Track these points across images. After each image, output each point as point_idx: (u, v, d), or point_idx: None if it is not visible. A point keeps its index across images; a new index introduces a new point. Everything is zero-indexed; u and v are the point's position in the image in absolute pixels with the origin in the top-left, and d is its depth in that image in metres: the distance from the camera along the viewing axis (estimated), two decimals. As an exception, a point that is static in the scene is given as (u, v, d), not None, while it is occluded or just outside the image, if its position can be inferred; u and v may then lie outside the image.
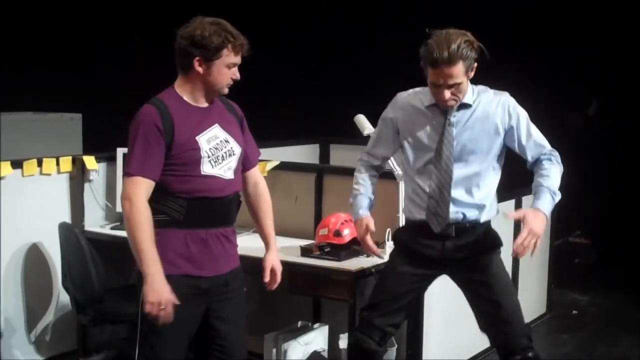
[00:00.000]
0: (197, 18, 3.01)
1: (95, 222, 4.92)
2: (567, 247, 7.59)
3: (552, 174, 3.32)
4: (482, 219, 3.40)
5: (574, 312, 6.21)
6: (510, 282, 3.56)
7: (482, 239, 3.41)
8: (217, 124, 3.07)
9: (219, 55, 2.96)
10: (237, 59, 3.02)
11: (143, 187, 2.94)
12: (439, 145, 3.32)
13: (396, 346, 4.27)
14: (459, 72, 3.20)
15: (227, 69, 3.00)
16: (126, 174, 2.97)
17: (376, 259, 3.90)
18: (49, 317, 4.80)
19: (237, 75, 3.05)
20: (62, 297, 4.78)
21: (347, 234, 4.12)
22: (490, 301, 3.38)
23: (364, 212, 3.48)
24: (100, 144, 5.23)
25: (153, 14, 6.94)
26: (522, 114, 3.39)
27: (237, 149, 3.12)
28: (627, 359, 5.22)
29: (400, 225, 4.06)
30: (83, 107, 5.96)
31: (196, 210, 3.01)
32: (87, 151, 5.22)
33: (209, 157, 3.01)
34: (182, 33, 2.99)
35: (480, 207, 3.37)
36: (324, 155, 6.74)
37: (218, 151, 3.04)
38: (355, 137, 5.83)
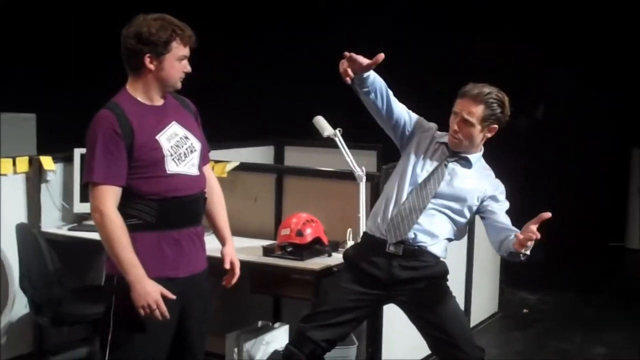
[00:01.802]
0: (140, 16, 3.01)
1: (52, 223, 4.87)
2: (516, 247, 7.75)
3: None
4: (431, 248, 3.52)
5: (525, 310, 6.36)
6: (458, 307, 3.66)
7: (429, 266, 3.52)
8: (174, 121, 3.08)
9: (168, 49, 2.97)
10: (187, 51, 3.03)
11: (111, 195, 2.93)
12: (430, 175, 3.51)
13: (357, 344, 4.33)
14: (477, 113, 3.44)
15: (178, 62, 3.00)
16: (91, 183, 2.94)
17: (339, 258, 3.93)
18: (5, 319, 4.74)
19: (188, 68, 3.06)
20: (18, 299, 4.73)
21: (309, 233, 4.15)
22: (437, 327, 3.49)
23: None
24: (56, 145, 5.17)
25: (108, 12, 6.88)
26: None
27: (197, 145, 3.13)
28: (578, 354, 5.37)
29: (361, 226, 4.15)
30: (37, 107, 5.87)
31: (167, 211, 3.01)
32: (41, 152, 5.14)
33: (171, 155, 3.02)
34: (127, 33, 2.98)
35: (434, 236, 3.50)
36: (279, 157, 6.77)
37: (179, 148, 3.05)
38: (310, 139, 5.92)
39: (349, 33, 7.76)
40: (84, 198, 4.70)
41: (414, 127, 3.60)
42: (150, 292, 2.91)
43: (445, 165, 3.53)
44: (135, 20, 3.01)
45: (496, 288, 6.18)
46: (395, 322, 4.39)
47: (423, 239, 3.49)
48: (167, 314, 2.94)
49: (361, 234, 3.85)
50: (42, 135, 5.74)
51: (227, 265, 3.28)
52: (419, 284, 3.50)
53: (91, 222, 4.78)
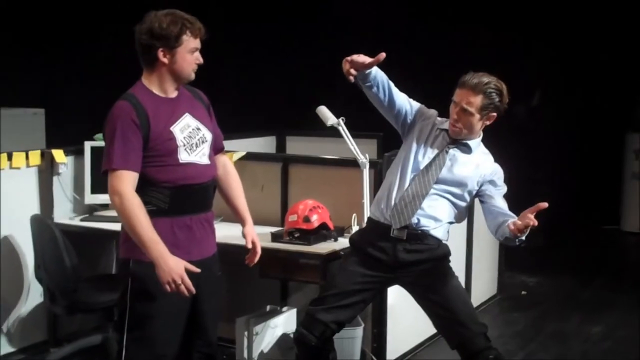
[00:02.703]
0: (151, 13, 3.15)
1: (65, 214, 4.99)
2: (515, 232, 7.88)
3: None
4: (434, 232, 3.65)
5: (523, 292, 6.50)
6: (461, 286, 3.79)
7: (432, 248, 3.67)
8: (187, 113, 3.22)
9: (180, 42, 3.11)
10: (197, 43, 3.17)
11: (129, 179, 3.06)
12: (431, 162, 3.64)
13: (363, 325, 4.46)
14: (476, 103, 3.55)
15: (190, 55, 3.14)
16: (110, 169, 3.07)
17: (345, 243, 4.07)
18: (20, 309, 4.87)
19: (200, 60, 3.19)
20: (32, 288, 4.85)
21: (316, 219, 4.28)
22: (442, 306, 3.61)
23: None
24: (65, 139, 5.29)
25: (117, 9, 6.95)
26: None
27: (209, 136, 3.27)
28: (576, 334, 5.51)
29: (365, 212, 4.27)
30: (47, 102, 5.96)
31: (179, 197, 3.15)
32: (51, 145, 5.25)
33: (184, 145, 3.16)
34: (140, 29, 3.13)
35: (436, 220, 3.64)
36: (281, 147, 6.88)
37: (192, 139, 3.19)
38: (310, 129, 6.03)
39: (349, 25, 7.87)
40: (94, 190, 4.84)
41: (415, 115, 3.74)
42: (173, 267, 3.01)
43: (446, 152, 3.66)
44: (146, 17, 3.15)
45: (495, 271, 6.32)
46: (400, 304, 4.53)
47: (426, 223, 3.63)
48: (192, 288, 3.04)
49: (366, 219, 3.99)
50: (51, 129, 5.83)
51: (249, 245, 3.45)
52: (423, 266, 3.64)
53: (102, 213, 4.96)
